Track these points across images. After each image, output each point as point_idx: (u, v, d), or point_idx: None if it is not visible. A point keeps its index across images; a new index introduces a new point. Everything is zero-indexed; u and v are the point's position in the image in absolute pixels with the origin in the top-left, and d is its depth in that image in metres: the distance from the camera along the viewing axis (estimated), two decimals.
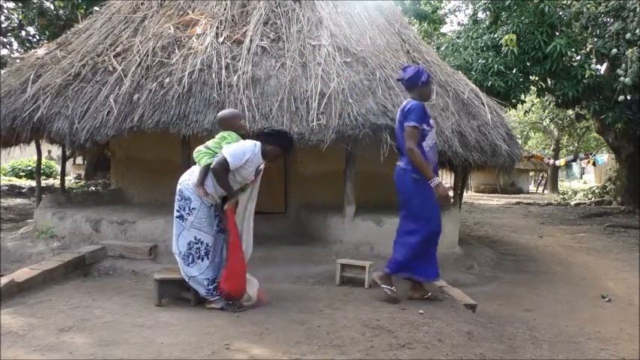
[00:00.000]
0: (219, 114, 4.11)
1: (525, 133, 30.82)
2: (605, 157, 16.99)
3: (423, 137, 3.96)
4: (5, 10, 14.63)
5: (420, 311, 3.83)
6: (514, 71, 11.25)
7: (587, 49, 11.51)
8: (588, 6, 10.92)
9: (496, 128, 6.14)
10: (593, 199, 17.50)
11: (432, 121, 4.15)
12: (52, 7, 14.09)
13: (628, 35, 9.75)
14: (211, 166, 3.63)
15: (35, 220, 6.45)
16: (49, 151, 18.92)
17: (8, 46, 15.46)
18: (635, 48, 9.22)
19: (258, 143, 3.76)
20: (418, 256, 4.04)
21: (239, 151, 3.64)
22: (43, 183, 14.05)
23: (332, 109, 5.04)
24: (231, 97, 5.04)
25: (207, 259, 3.72)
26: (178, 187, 3.76)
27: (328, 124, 4.95)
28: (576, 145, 26.93)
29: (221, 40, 5.61)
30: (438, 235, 4.14)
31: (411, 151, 3.83)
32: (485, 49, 11.37)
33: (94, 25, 6.51)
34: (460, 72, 7.89)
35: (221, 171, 3.59)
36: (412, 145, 3.82)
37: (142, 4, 6.49)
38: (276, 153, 3.86)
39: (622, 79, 9.31)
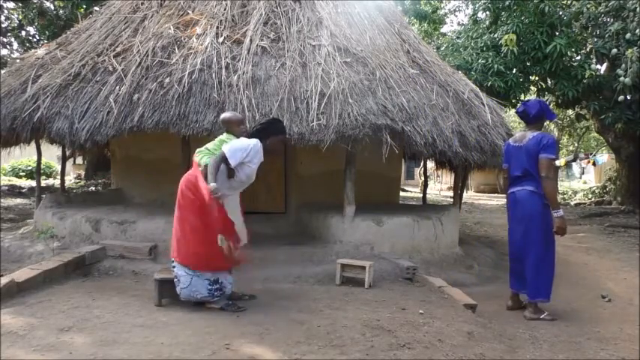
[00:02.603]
0: (222, 115, 4.12)
1: None
2: (605, 157, 16.98)
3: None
4: (5, 10, 14.63)
5: (420, 311, 3.83)
6: (514, 71, 11.24)
7: (587, 49, 11.49)
8: (588, 6, 10.90)
9: (496, 128, 6.14)
10: (593, 199, 17.46)
11: None
12: (52, 7, 14.10)
13: (628, 35, 9.74)
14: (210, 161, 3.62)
15: (35, 220, 6.45)
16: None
17: (8, 46, 15.48)
18: (635, 48, 9.21)
19: (259, 141, 3.76)
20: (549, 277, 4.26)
21: (238, 147, 3.66)
22: (43, 183, 14.07)
23: (332, 109, 5.04)
24: (231, 97, 5.05)
25: None
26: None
27: (328, 124, 4.95)
28: (576, 145, 26.90)
29: (221, 40, 5.61)
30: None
31: (549, 180, 4.11)
32: (485, 49, 11.36)
33: (94, 25, 6.51)
34: (460, 72, 7.88)
35: (214, 164, 3.57)
36: (551, 176, 4.14)
37: (142, 4, 6.49)
38: (278, 141, 3.92)
39: (622, 79, 9.29)
